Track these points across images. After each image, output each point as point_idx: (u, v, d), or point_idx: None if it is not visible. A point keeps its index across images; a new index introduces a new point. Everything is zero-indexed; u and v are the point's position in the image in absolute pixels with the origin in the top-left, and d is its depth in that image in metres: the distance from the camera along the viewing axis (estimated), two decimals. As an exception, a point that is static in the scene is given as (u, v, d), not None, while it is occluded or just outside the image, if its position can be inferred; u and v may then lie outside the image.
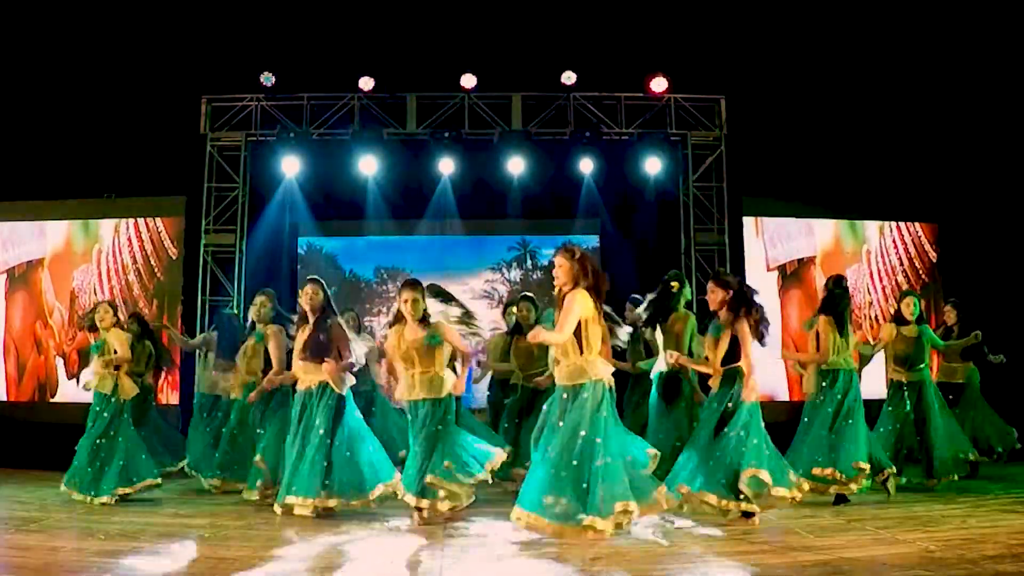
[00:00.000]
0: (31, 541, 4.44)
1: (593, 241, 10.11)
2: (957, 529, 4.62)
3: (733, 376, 4.96)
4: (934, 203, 10.15)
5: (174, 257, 9.54)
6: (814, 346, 5.84)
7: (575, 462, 4.25)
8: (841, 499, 5.62)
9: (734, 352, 5.00)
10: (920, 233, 10.19)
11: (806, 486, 5.07)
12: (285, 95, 9.57)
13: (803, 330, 5.97)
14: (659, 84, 9.50)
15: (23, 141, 9.64)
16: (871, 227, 10.18)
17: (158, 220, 9.61)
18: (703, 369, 5.21)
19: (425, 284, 5.35)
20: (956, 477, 6.34)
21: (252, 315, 6.32)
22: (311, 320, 5.43)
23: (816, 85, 9.57)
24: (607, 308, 4.59)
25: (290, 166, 9.55)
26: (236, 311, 8.64)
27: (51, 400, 9.39)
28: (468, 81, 9.37)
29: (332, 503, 5.19)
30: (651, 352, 6.48)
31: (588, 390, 4.35)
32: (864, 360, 6.84)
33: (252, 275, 9.53)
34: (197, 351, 7.59)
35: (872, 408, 6.05)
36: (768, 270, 9.92)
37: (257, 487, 5.82)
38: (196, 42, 9.37)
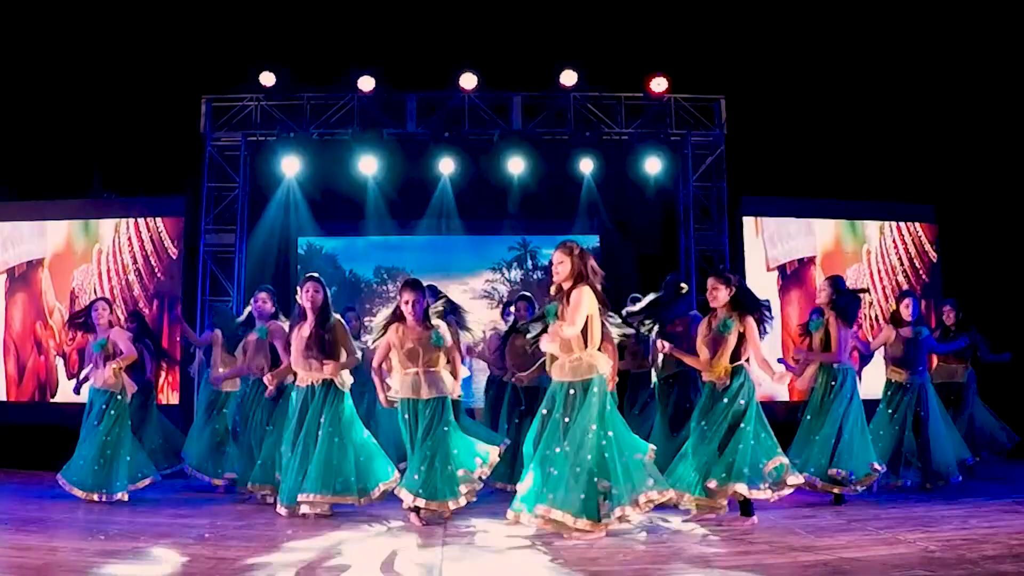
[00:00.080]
0: (31, 541, 4.44)
1: (593, 241, 10.11)
2: (957, 529, 4.62)
3: (740, 372, 5.00)
4: (934, 203, 10.15)
5: (174, 257, 9.54)
6: (819, 345, 5.85)
7: (590, 456, 4.35)
8: (839, 499, 5.63)
9: (737, 348, 5.04)
10: (920, 233, 10.18)
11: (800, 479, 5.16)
12: (285, 95, 9.56)
13: (808, 330, 5.93)
14: (659, 84, 9.49)
15: (23, 141, 9.64)
16: (871, 227, 10.17)
17: (158, 220, 9.60)
18: (694, 363, 5.26)
19: (425, 284, 5.37)
20: (953, 480, 6.36)
21: (253, 311, 6.32)
22: (310, 318, 5.40)
23: (816, 85, 9.58)
24: (610, 311, 4.68)
25: (290, 166, 9.54)
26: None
27: (51, 400, 9.39)
28: (468, 81, 9.37)
29: (341, 500, 5.21)
30: (648, 351, 6.51)
31: (597, 385, 4.47)
32: (864, 360, 6.86)
33: (252, 275, 9.53)
34: (199, 349, 7.62)
35: (868, 408, 6.05)
36: (768, 270, 9.91)
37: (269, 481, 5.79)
38: (196, 42, 9.37)
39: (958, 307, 7.57)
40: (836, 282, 5.92)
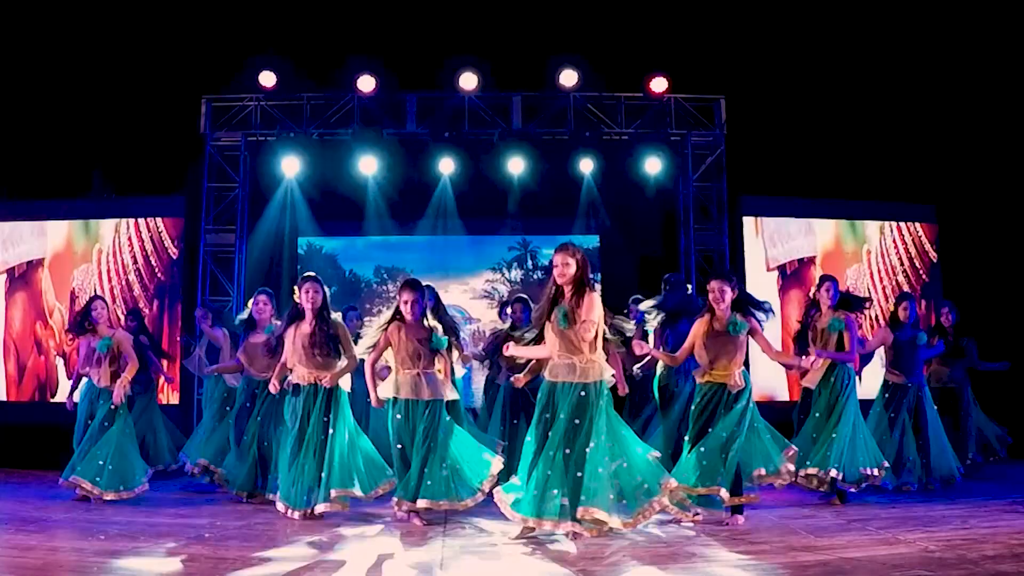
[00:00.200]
0: (31, 541, 4.44)
1: (593, 241, 10.11)
2: (957, 529, 4.62)
3: (747, 373, 5.07)
4: (934, 203, 10.15)
5: (174, 257, 9.54)
6: (833, 345, 5.86)
7: (607, 457, 4.43)
8: (843, 498, 5.66)
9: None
10: (920, 233, 10.18)
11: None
12: (285, 95, 9.56)
13: (828, 332, 5.94)
14: (659, 84, 9.49)
15: (23, 141, 9.64)
16: (871, 227, 10.17)
17: (158, 220, 9.60)
18: (669, 361, 5.47)
19: (424, 284, 5.38)
20: (952, 480, 6.37)
21: (253, 314, 6.32)
22: (308, 318, 5.38)
23: (816, 85, 9.57)
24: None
25: (290, 166, 9.54)
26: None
27: (51, 400, 9.39)
28: (468, 81, 9.37)
29: (358, 495, 5.21)
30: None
31: (605, 387, 4.57)
32: (864, 360, 6.86)
33: (252, 275, 9.54)
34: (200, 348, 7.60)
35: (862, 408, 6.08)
36: (768, 270, 9.91)
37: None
38: (196, 42, 9.36)
39: (955, 309, 7.54)
40: (837, 287, 6.03)
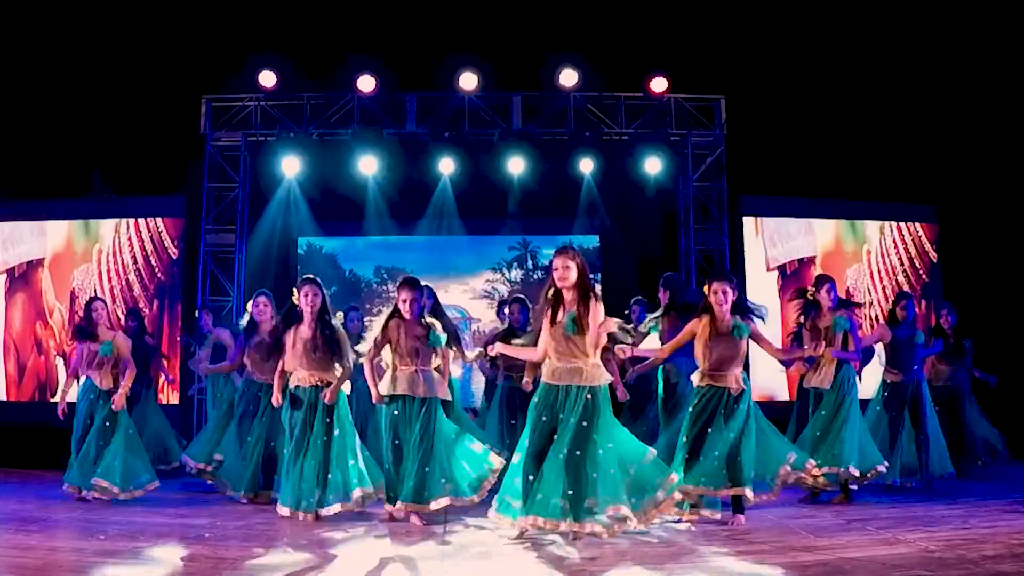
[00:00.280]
0: (31, 541, 4.44)
1: (593, 241, 10.11)
2: (957, 529, 4.62)
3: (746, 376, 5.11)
4: (935, 203, 10.15)
5: (174, 257, 9.54)
6: (839, 345, 5.87)
7: (617, 458, 4.48)
8: (847, 496, 5.68)
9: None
10: (920, 233, 10.18)
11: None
12: (285, 95, 9.56)
13: (833, 331, 5.93)
14: (659, 84, 9.48)
15: (23, 141, 9.64)
16: (871, 227, 10.17)
17: (158, 220, 9.59)
18: (656, 362, 5.62)
19: (424, 284, 5.38)
20: (950, 475, 6.41)
21: (253, 315, 6.31)
22: (308, 320, 5.38)
23: (816, 85, 9.56)
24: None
25: (290, 166, 9.54)
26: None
27: (51, 400, 9.38)
28: (468, 81, 9.37)
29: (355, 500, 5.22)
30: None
31: (607, 390, 4.62)
32: (864, 359, 6.85)
33: (252, 275, 9.53)
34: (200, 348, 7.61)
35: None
36: (768, 270, 9.91)
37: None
38: (196, 42, 9.36)
39: (955, 310, 7.53)
40: (836, 290, 6.04)
